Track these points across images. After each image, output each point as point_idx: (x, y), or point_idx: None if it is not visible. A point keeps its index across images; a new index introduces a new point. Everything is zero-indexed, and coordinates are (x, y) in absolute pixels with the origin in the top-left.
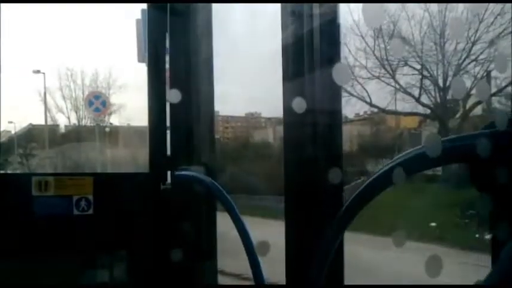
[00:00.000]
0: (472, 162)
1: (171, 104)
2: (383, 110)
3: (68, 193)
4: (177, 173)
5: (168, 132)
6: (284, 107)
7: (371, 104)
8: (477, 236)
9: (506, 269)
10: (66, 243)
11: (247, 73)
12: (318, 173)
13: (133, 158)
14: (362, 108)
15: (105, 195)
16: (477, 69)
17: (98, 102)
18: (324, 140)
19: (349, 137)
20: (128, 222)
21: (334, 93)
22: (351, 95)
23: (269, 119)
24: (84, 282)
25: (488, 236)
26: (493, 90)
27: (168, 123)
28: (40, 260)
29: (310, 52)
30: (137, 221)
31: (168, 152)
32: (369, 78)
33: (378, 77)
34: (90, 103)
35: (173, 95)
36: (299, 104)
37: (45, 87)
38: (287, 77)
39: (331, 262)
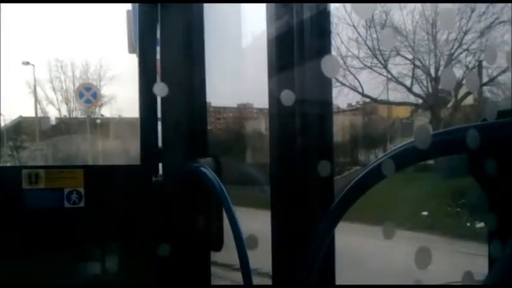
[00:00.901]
0: (471, 153)
1: (162, 96)
2: (375, 100)
3: (59, 186)
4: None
5: (160, 124)
6: (270, 98)
7: (363, 94)
8: (468, 224)
9: (506, 270)
10: (57, 237)
11: (239, 64)
12: (307, 164)
13: (125, 150)
14: (354, 99)
15: (97, 188)
16: (469, 58)
17: (89, 93)
18: (314, 130)
19: (341, 127)
20: (120, 215)
21: (325, 84)
22: (343, 85)
23: (261, 110)
24: (77, 275)
25: (479, 225)
26: (485, 79)
27: (159, 115)
28: (31, 254)
29: (300, 42)
30: (129, 214)
31: (160, 144)
32: (361, 68)
33: (370, 67)
34: (80, 95)
35: (159, 88)
36: (287, 96)
37: (35, 79)
38: (272, 68)
39: (323, 257)
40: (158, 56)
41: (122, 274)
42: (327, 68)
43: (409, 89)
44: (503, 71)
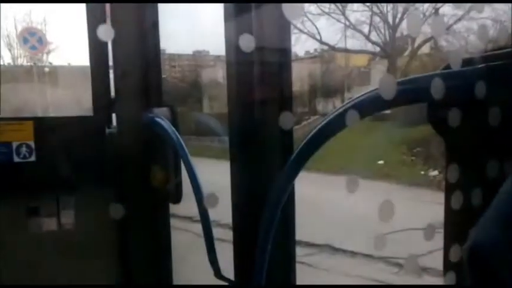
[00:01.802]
0: (429, 102)
1: (113, 42)
2: (333, 48)
3: (7, 139)
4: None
5: (112, 72)
6: (226, 45)
7: (321, 42)
8: (422, 173)
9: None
10: (8, 193)
11: (194, 8)
12: (266, 113)
13: (77, 101)
14: (312, 46)
15: (48, 141)
16: (426, 6)
17: (34, 39)
18: (273, 79)
19: (299, 75)
20: (73, 169)
21: (283, 30)
22: (301, 31)
23: (218, 57)
24: (31, 231)
25: (433, 173)
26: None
27: (111, 63)
28: None
29: None
30: (83, 167)
31: (113, 94)
32: (319, 14)
33: (328, 13)
34: (24, 40)
35: (105, 32)
36: (246, 41)
37: None
38: (229, 13)
39: (283, 208)
40: None
41: (77, 229)
42: (288, 11)
43: (367, 37)
44: (459, 19)
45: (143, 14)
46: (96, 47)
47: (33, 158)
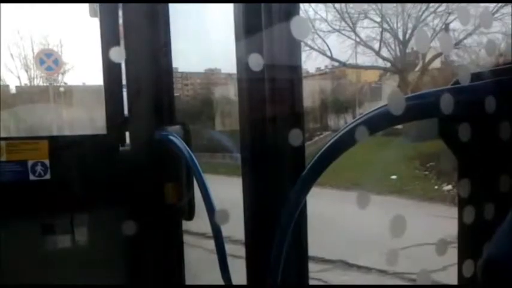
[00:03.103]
0: (439, 117)
1: (126, 61)
2: (344, 64)
3: (22, 158)
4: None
5: (125, 91)
6: (238, 63)
7: (332, 58)
8: (436, 187)
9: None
10: (23, 211)
11: (205, 27)
12: (278, 129)
13: (91, 119)
14: (323, 63)
15: (62, 159)
16: (436, 21)
17: (50, 60)
18: (284, 95)
19: (311, 91)
20: (87, 186)
21: (294, 47)
22: (312, 48)
23: (230, 75)
24: (46, 248)
25: (446, 188)
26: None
27: (124, 82)
28: None
29: (267, 5)
30: (97, 185)
31: (126, 113)
32: (329, 31)
33: (339, 30)
34: (41, 61)
35: (117, 53)
36: (255, 60)
37: None
38: (240, 32)
39: (295, 225)
40: (121, 20)
41: (91, 246)
42: (296, 30)
43: (378, 53)
44: (470, 34)
45: (155, 33)
46: (110, 67)
47: (48, 176)
